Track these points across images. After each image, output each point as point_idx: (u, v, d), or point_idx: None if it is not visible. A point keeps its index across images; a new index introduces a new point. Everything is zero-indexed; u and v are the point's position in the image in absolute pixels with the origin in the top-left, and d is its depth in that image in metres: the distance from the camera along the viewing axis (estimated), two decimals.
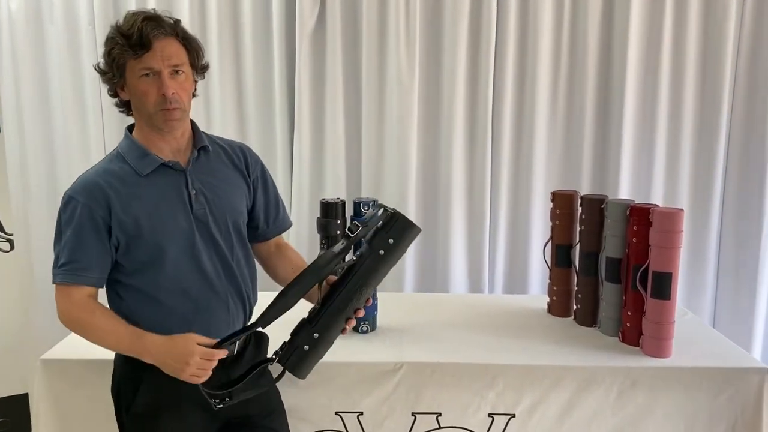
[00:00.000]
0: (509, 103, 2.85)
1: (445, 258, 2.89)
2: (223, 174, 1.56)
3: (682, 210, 1.94)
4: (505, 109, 2.85)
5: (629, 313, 2.05)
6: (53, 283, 1.45)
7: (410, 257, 2.90)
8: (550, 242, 2.34)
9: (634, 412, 1.89)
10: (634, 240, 2.01)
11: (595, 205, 2.17)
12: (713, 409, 1.89)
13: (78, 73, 2.89)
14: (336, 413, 1.90)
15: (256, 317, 1.42)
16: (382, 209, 1.41)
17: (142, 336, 1.41)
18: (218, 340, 1.40)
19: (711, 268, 2.92)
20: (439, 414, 1.91)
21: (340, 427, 1.91)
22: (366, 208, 2.07)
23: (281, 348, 1.42)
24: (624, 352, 2.00)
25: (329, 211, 2.09)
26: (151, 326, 1.44)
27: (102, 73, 1.46)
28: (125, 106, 1.51)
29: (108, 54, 1.43)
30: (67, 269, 1.43)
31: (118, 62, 1.42)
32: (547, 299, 2.38)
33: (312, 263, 1.41)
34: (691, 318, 2.33)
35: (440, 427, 1.91)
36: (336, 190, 2.84)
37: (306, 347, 1.40)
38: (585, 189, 2.86)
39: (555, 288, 2.32)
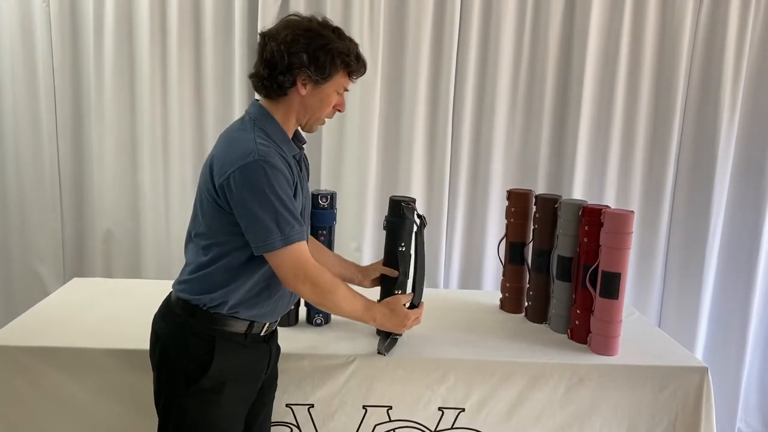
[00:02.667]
0: (470, 102, 2.88)
1: None
2: None
3: (632, 212, 1.97)
4: (466, 107, 2.88)
5: (578, 311, 2.08)
6: (288, 244, 1.45)
7: (367, 252, 2.90)
8: (504, 239, 2.35)
9: (581, 408, 1.93)
10: (585, 240, 2.04)
11: (549, 205, 2.19)
12: (656, 406, 1.93)
13: (30, 52, 2.80)
14: (287, 405, 1.89)
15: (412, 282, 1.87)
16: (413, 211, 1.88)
17: (372, 307, 1.68)
18: (412, 294, 1.84)
19: (659, 269, 3.00)
20: (390, 407, 1.91)
21: (290, 419, 1.90)
22: (324, 200, 2.05)
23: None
24: (572, 349, 2.03)
25: None
26: (249, 295, 1.55)
27: (313, 62, 1.48)
28: (277, 90, 1.51)
29: (335, 56, 1.50)
30: (301, 230, 1.48)
31: (336, 69, 1.51)
32: (500, 295, 2.39)
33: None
34: (638, 317, 2.38)
35: (390, 420, 1.91)
36: None
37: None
38: (540, 189, 2.91)
39: (507, 285, 2.34)
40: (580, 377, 1.92)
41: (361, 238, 2.90)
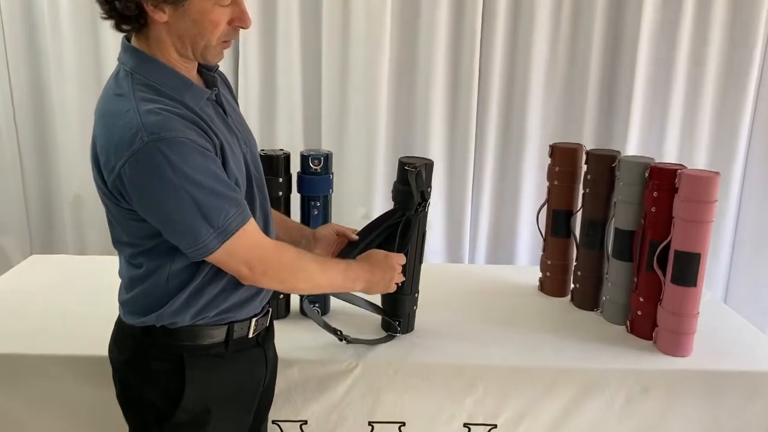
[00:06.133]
0: (501, 37, 2.52)
1: None
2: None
3: (717, 173, 1.57)
4: (496, 44, 2.51)
5: (641, 299, 1.70)
6: (227, 237, 1.09)
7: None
8: (545, 206, 1.98)
9: (644, 425, 1.57)
10: (653, 209, 1.64)
11: (605, 163, 1.80)
12: (742, 422, 1.57)
13: None
14: (274, 422, 1.55)
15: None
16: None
17: (350, 266, 1.34)
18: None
19: (727, 239, 2.64)
20: (403, 423, 1.57)
21: None
22: (316, 164, 1.64)
23: (394, 320, 1.64)
24: (633, 347, 1.67)
25: (271, 166, 1.65)
26: (214, 291, 1.19)
27: None
28: (128, 23, 1.11)
29: None
30: (239, 211, 1.12)
31: None
32: (539, 274, 2.04)
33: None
34: (712, 300, 1.97)
35: None
36: (291, 141, 2.49)
37: (415, 308, 1.69)
38: (586, 143, 2.50)
39: (549, 262, 1.99)
40: (644, 386, 1.57)
41: (370, 204, 2.59)
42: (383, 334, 1.67)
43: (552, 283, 1.99)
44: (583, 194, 1.87)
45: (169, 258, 1.14)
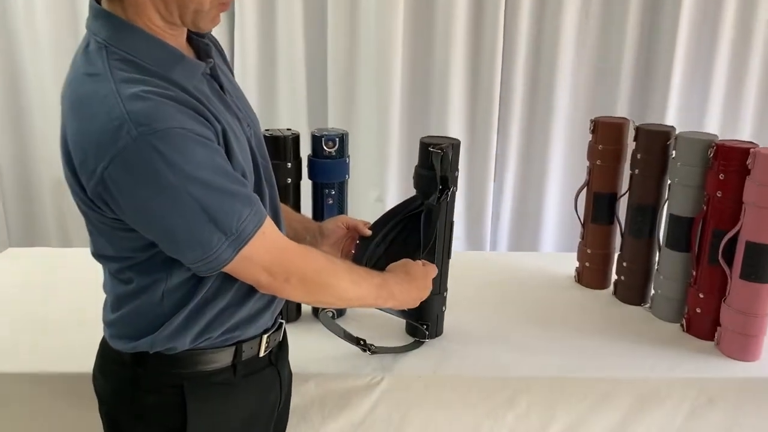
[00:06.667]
0: None
1: None
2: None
3: None
4: (522, 5, 2.30)
5: (700, 295, 1.50)
6: (243, 244, 0.89)
7: (389, 202, 2.42)
8: (585, 188, 1.78)
9: None
10: (719, 194, 1.44)
11: (659, 141, 1.58)
12: None
13: None
14: None
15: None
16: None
17: (385, 282, 1.14)
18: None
19: None
20: None
21: None
22: (330, 145, 1.42)
23: (421, 324, 1.44)
24: (692, 350, 1.47)
25: (278, 148, 1.43)
26: (221, 305, 0.99)
27: None
28: None
29: None
30: (253, 210, 0.91)
31: None
32: (575, 264, 1.84)
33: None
34: None
35: None
36: (295, 118, 2.29)
37: (444, 308, 1.49)
38: (621, 114, 2.32)
39: (589, 251, 1.79)
40: (710, 397, 1.39)
41: (383, 187, 2.41)
42: (409, 340, 1.46)
43: (591, 274, 1.79)
44: (631, 175, 1.66)
45: (165, 272, 0.93)
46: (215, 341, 0.99)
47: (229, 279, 0.96)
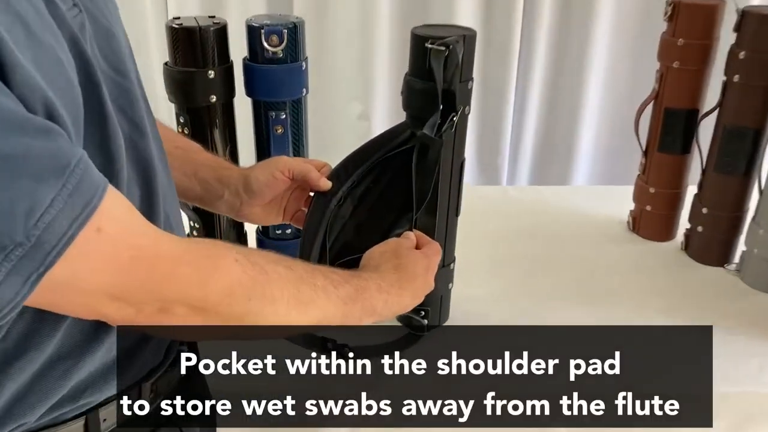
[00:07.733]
0: None
1: None
2: None
3: None
4: None
5: None
6: (50, 258, 0.46)
7: (379, 123, 2.04)
8: (652, 103, 1.34)
9: None
10: None
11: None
12: None
13: None
14: None
15: None
16: None
17: (363, 286, 0.72)
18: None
19: None
20: None
21: None
22: (275, 42, 0.93)
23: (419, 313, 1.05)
24: None
25: (193, 48, 0.94)
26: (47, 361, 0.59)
27: None
28: None
29: None
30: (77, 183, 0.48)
31: None
32: (631, 206, 1.44)
33: None
34: None
35: None
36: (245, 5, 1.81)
37: (450, 285, 1.09)
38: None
39: (652, 190, 1.38)
40: None
41: (368, 99, 1.97)
42: (401, 332, 1.03)
43: (653, 222, 1.40)
44: (724, 84, 1.20)
45: None
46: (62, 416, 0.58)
47: (47, 315, 0.53)
